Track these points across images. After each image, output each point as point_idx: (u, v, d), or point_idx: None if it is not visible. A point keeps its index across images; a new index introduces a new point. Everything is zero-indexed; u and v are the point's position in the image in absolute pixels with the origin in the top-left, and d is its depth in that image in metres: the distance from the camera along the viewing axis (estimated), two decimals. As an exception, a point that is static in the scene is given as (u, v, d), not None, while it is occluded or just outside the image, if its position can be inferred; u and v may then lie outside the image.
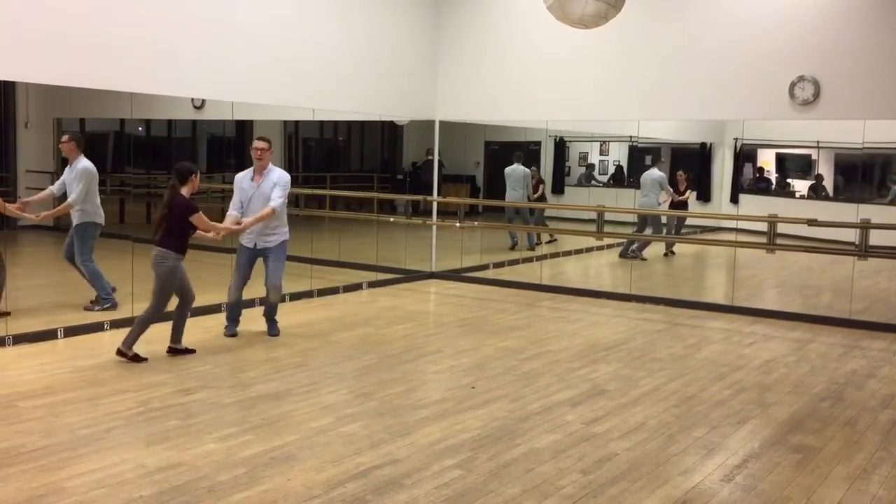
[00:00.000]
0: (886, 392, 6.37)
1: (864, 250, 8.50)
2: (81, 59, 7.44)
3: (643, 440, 5.11)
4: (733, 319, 9.04)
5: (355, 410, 5.54)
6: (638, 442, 5.07)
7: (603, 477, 4.50)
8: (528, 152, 12.96)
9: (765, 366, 7.08)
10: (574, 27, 7.53)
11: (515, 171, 12.54)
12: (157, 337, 7.32)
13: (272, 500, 4.09)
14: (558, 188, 13.60)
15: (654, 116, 10.20)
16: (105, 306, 8.07)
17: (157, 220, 6.64)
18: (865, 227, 8.39)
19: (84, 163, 7.92)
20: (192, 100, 9.58)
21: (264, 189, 7.27)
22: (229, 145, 11.70)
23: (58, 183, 8.03)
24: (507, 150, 12.97)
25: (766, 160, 12.95)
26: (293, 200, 10.51)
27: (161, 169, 11.78)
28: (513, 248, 12.98)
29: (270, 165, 7.41)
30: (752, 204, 11.95)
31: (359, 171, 14.63)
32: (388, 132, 14.29)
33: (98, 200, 8.03)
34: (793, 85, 8.97)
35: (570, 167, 13.89)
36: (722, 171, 12.73)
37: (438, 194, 11.81)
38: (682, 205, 12.17)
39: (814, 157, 12.37)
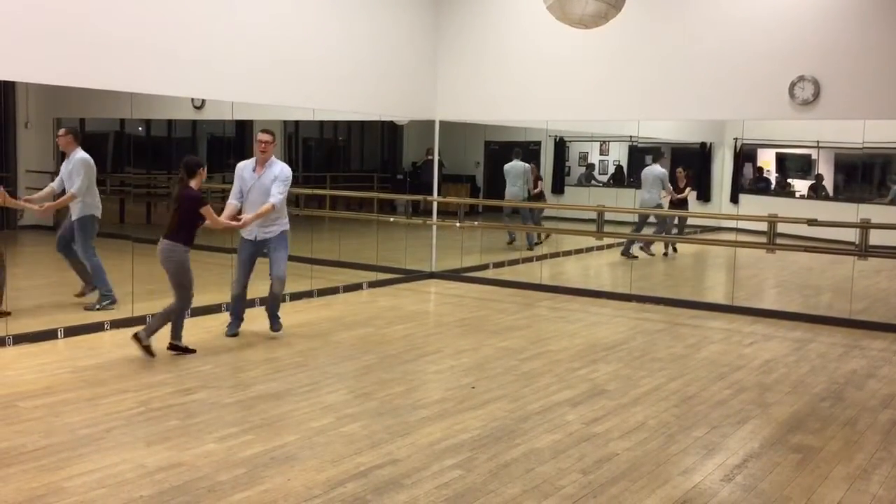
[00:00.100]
0: (886, 392, 6.37)
1: (864, 250, 8.50)
2: (81, 59, 7.44)
3: (643, 440, 5.11)
4: (733, 319, 9.04)
5: (355, 410, 5.54)
6: (638, 442, 5.07)
7: (603, 477, 4.50)
8: (528, 152, 12.96)
9: (765, 366, 7.08)
10: (574, 27, 7.54)
11: (515, 166, 12.57)
12: (155, 337, 7.33)
13: (272, 500, 4.09)
14: (558, 188, 13.60)
15: (654, 116, 10.20)
16: (105, 303, 8.08)
17: (171, 215, 6.76)
18: (865, 226, 8.39)
19: (81, 154, 7.96)
20: (192, 100, 9.58)
21: (265, 181, 7.26)
22: (229, 145, 11.69)
23: (57, 179, 8.05)
24: (507, 149, 12.98)
25: (766, 160, 12.94)
26: (293, 200, 10.52)
27: (161, 169, 11.78)
28: (510, 243, 13.00)
29: (273, 158, 7.38)
30: (752, 204, 11.94)
31: (359, 171, 14.63)
32: (388, 132, 14.29)
33: (97, 192, 8.06)
34: (793, 85, 8.98)
35: (569, 167, 13.89)
36: (722, 170, 12.72)
37: (438, 194, 11.81)
38: (682, 202, 12.16)
39: (814, 156, 12.36)
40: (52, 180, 8.21)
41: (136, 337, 6.63)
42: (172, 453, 4.66)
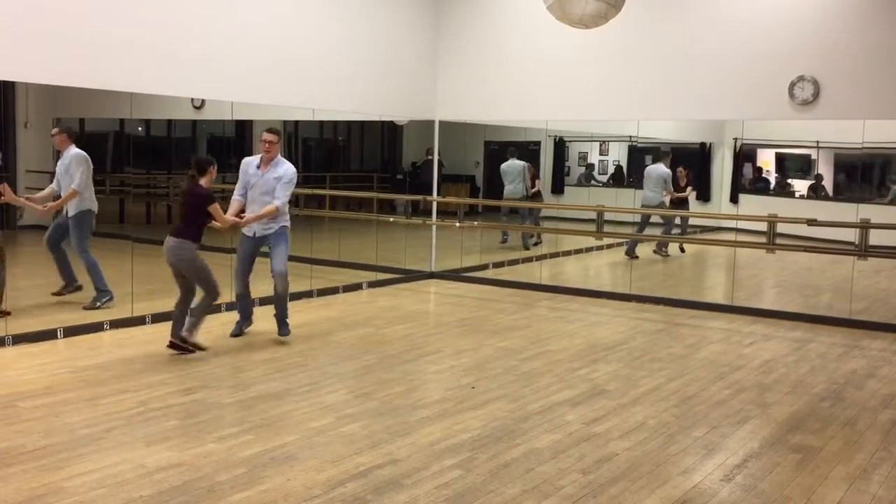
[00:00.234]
0: (886, 392, 6.37)
1: (863, 250, 8.50)
2: (81, 59, 7.44)
3: (643, 440, 5.11)
4: (733, 319, 9.04)
5: (355, 410, 5.54)
6: (638, 442, 5.07)
7: (603, 477, 4.50)
8: (527, 152, 12.96)
9: (764, 366, 7.08)
10: (574, 27, 7.54)
11: (512, 165, 12.57)
12: (155, 337, 7.33)
13: (272, 500, 4.09)
14: (558, 188, 13.59)
15: (654, 116, 10.21)
16: (104, 300, 8.09)
17: (179, 211, 6.81)
18: (865, 226, 8.39)
19: (75, 150, 8.00)
20: (192, 100, 9.57)
21: (268, 179, 7.23)
22: (229, 145, 11.68)
23: (56, 180, 8.07)
24: (506, 149, 12.98)
25: (766, 160, 12.94)
26: (293, 200, 10.50)
27: (161, 169, 11.78)
28: (503, 242, 13.03)
29: (279, 157, 7.35)
30: (752, 204, 11.93)
31: (358, 171, 14.62)
32: (388, 132, 14.28)
33: (93, 187, 8.08)
34: (792, 85, 8.98)
35: (569, 167, 13.89)
36: (722, 170, 12.72)
37: (438, 194, 11.81)
38: (683, 202, 12.16)
39: (813, 156, 12.35)
40: (52, 180, 8.22)
41: (180, 339, 6.71)
42: (172, 453, 4.66)
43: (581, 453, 4.85)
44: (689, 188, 12.27)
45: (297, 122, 11.97)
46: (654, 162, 12.18)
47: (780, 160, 13.02)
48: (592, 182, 13.77)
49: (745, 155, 12.58)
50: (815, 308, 9.81)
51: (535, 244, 13.21)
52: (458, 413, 5.54)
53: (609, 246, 13.13)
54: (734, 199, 12.33)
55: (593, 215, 10.33)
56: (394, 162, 14.56)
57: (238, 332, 7.49)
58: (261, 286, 7.69)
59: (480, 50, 11.04)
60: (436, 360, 6.97)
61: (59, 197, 8.01)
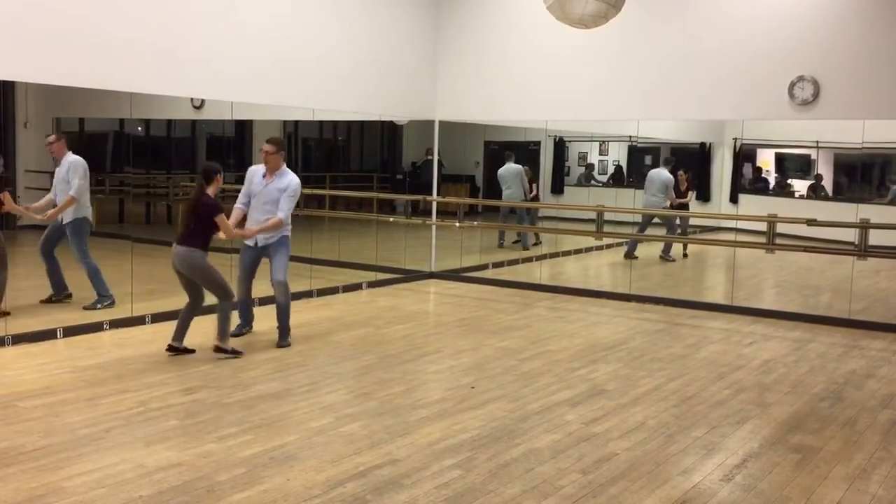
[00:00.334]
0: (886, 392, 6.37)
1: (863, 250, 8.50)
2: (81, 59, 7.44)
3: (643, 440, 5.11)
4: (733, 319, 9.04)
5: (355, 410, 5.54)
6: (637, 442, 5.08)
7: (602, 477, 4.50)
8: (527, 152, 12.97)
9: (764, 366, 7.08)
10: (574, 27, 7.54)
11: (509, 169, 12.56)
12: (155, 337, 7.33)
13: (272, 500, 4.09)
14: (558, 188, 13.60)
15: (654, 116, 10.21)
16: (105, 303, 8.09)
17: (183, 218, 6.75)
18: (865, 226, 8.39)
19: (73, 157, 8.01)
20: (192, 99, 9.58)
21: (272, 189, 7.20)
22: (229, 145, 11.69)
23: (53, 188, 8.08)
24: (506, 149, 12.98)
25: (766, 160, 12.95)
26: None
27: (160, 169, 11.78)
28: (500, 246, 13.05)
29: (284, 168, 7.30)
30: (752, 204, 11.94)
31: (358, 171, 14.63)
32: (388, 132, 14.30)
33: (88, 194, 8.10)
34: (792, 85, 8.98)
35: (569, 167, 13.90)
36: (721, 170, 12.73)
37: (438, 194, 11.81)
38: (683, 206, 12.15)
39: (813, 156, 12.37)
40: (51, 180, 8.22)
41: (216, 349, 6.74)
42: (172, 453, 4.66)
43: (581, 453, 4.85)
44: (690, 192, 12.25)
45: (296, 122, 11.97)
46: (657, 166, 12.16)
47: (780, 160, 13.03)
48: (592, 182, 13.78)
49: (744, 155, 12.59)
50: (814, 308, 9.82)
51: (535, 244, 13.22)
52: (458, 413, 5.54)
53: (609, 246, 13.14)
54: (734, 199, 12.34)
55: (593, 215, 10.34)
56: (393, 162, 14.58)
57: (237, 333, 7.49)
58: (262, 286, 7.68)
59: (480, 50, 11.05)
60: (435, 360, 6.97)
61: (56, 205, 8.00)
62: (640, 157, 12.89)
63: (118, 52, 7.65)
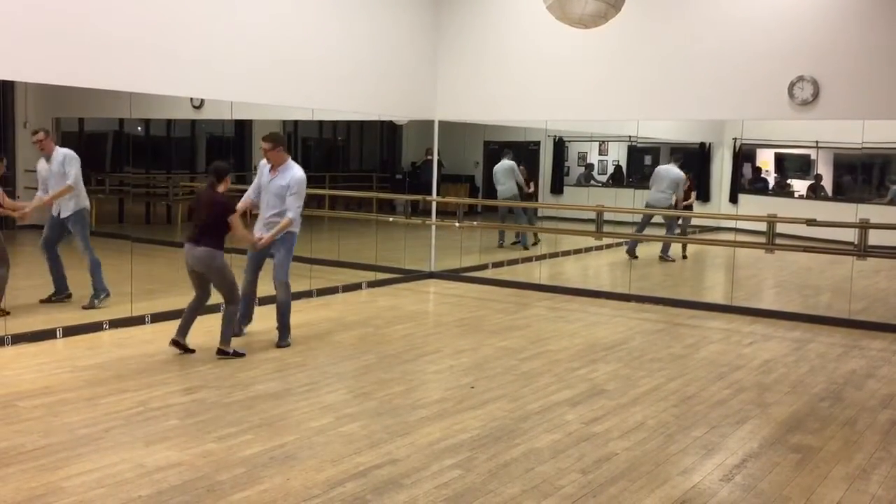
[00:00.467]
0: (885, 392, 6.38)
1: (863, 250, 8.50)
2: (81, 59, 7.44)
3: (642, 440, 5.11)
4: (732, 319, 9.04)
5: (355, 410, 5.54)
6: (637, 442, 5.08)
7: (602, 477, 4.50)
8: (527, 152, 12.97)
9: (764, 366, 7.08)
10: (574, 27, 7.54)
11: (503, 165, 12.66)
12: (154, 337, 7.33)
13: (272, 500, 4.09)
14: (557, 188, 13.60)
15: (654, 116, 10.21)
16: (102, 297, 8.09)
17: (196, 217, 6.74)
18: (864, 226, 8.39)
19: (65, 149, 8.01)
20: (192, 99, 9.57)
21: (276, 184, 7.19)
22: (228, 145, 11.69)
23: (41, 186, 8.08)
24: (505, 149, 12.99)
25: (766, 160, 12.94)
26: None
27: (160, 169, 11.77)
28: (500, 246, 13.06)
29: (289, 162, 7.27)
30: (752, 204, 11.94)
31: (358, 170, 14.63)
32: (388, 132, 14.29)
33: (83, 184, 8.12)
34: (792, 85, 8.98)
35: (569, 167, 13.90)
36: (721, 170, 12.73)
37: (437, 194, 11.81)
38: (687, 207, 12.13)
39: (813, 156, 12.36)
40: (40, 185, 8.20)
41: (219, 352, 6.74)
42: (171, 453, 4.66)
43: (580, 453, 4.85)
44: (692, 194, 12.23)
45: (296, 122, 11.97)
46: (657, 166, 12.13)
47: (780, 160, 13.03)
48: (592, 182, 13.78)
49: (744, 155, 12.59)
50: (814, 308, 9.82)
51: (534, 244, 13.22)
52: (458, 413, 5.54)
53: (608, 246, 13.13)
54: (734, 199, 12.33)
55: (593, 215, 10.34)
56: (393, 162, 14.57)
57: (238, 332, 7.48)
58: (262, 286, 7.67)
59: (480, 50, 11.05)
60: (435, 360, 6.97)
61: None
62: (640, 157, 12.88)
63: (118, 52, 7.65)
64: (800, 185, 12.78)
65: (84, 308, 8.03)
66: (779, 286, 11.65)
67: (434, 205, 11.63)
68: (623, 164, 13.51)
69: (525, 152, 12.91)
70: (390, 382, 6.24)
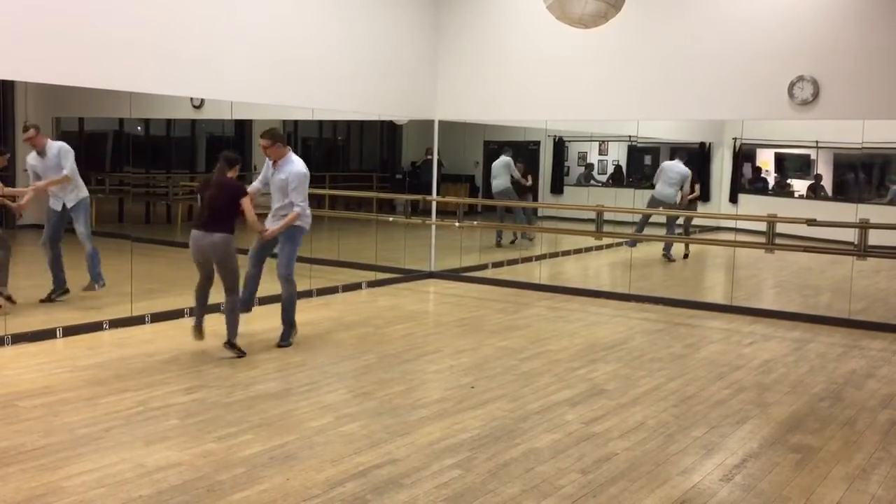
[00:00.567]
0: (885, 392, 6.38)
1: (863, 250, 8.51)
2: (81, 59, 7.44)
3: (642, 440, 5.11)
4: (732, 319, 9.04)
5: (355, 410, 5.54)
6: (637, 441, 5.08)
7: (602, 476, 4.50)
8: (527, 152, 12.97)
9: (764, 366, 7.09)
10: (574, 27, 7.54)
11: (499, 161, 12.75)
12: (154, 337, 7.34)
13: (272, 500, 4.09)
14: (557, 188, 13.60)
15: (654, 116, 10.21)
16: (100, 282, 8.13)
17: (206, 202, 6.64)
18: (864, 226, 8.40)
19: (59, 142, 8.05)
20: (191, 99, 9.57)
21: (277, 179, 7.17)
22: (228, 145, 11.67)
23: (32, 179, 8.09)
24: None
25: (765, 160, 12.94)
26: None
27: (160, 168, 11.77)
28: (498, 245, 13.07)
29: (289, 156, 7.23)
30: (752, 203, 11.93)
31: (358, 170, 14.62)
32: (388, 132, 14.28)
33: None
34: (792, 85, 8.98)
35: (569, 167, 13.89)
36: (721, 170, 12.72)
37: (437, 194, 11.81)
38: (689, 205, 12.13)
39: (813, 156, 12.36)
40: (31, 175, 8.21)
41: (226, 345, 6.73)
42: (172, 453, 4.66)
43: (580, 453, 4.85)
44: (696, 186, 12.22)
45: (296, 122, 11.97)
46: (657, 166, 12.12)
47: (780, 160, 13.02)
48: (592, 182, 13.77)
49: (744, 155, 12.58)
50: (814, 308, 9.82)
51: (529, 239, 13.26)
52: (458, 413, 5.54)
53: (608, 246, 13.13)
54: (733, 199, 12.33)
55: (593, 215, 10.34)
56: (393, 162, 14.56)
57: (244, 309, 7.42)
58: (266, 284, 7.65)
59: (480, 50, 11.05)
60: (435, 360, 6.97)
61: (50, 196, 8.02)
62: (640, 157, 12.87)
63: (118, 52, 7.65)
64: (800, 185, 12.77)
65: (84, 289, 8.05)
66: (779, 286, 11.65)
67: (434, 204, 11.63)
68: (623, 164, 13.50)
69: (525, 152, 12.91)
70: (390, 382, 6.24)
